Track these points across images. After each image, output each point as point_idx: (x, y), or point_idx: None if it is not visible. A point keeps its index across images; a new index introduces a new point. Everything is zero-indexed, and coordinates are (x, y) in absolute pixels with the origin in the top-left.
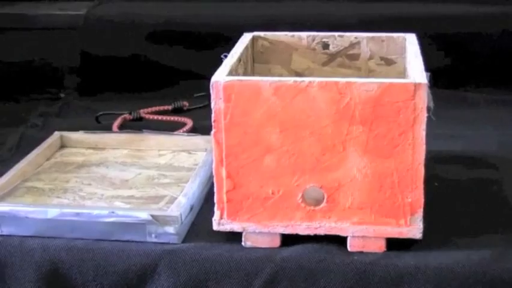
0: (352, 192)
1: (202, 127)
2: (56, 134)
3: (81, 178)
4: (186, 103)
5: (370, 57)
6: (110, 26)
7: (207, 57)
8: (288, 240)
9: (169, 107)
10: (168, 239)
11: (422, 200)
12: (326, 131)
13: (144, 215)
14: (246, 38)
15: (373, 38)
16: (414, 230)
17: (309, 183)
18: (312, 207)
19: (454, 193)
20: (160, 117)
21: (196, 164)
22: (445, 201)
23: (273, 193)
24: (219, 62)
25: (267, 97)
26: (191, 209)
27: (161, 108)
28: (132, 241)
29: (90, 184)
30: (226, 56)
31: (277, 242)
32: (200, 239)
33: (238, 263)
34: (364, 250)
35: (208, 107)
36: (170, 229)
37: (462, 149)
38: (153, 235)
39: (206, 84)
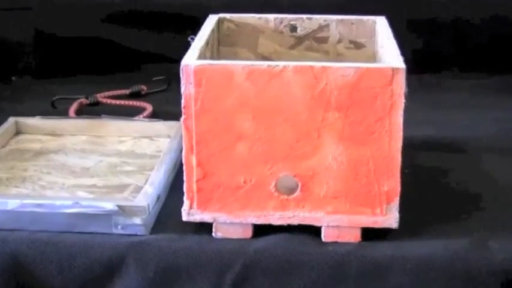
0: (326, 180)
1: (162, 112)
2: (11, 120)
3: (40, 166)
4: (144, 87)
5: (339, 41)
6: (67, 4)
7: (167, 39)
8: (260, 230)
9: (127, 91)
10: (135, 230)
11: (398, 189)
12: (300, 118)
13: (109, 206)
14: (211, 20)
15: (342, 20)
16: (390, 219)
17: (282, 171)
18: (285, 197)
19: (426, 180)
20: (118, 102)
21: (159, 151)
22: (416, 189)
23: (244, 182)
24: (181, 45)
25: (239, 82)
26: (158, 198)
27: (118, 92)
28: (97, 233)
29: (49, 173)
30: (193, 39)
31: (249, 233)
32: (168, 230)
33: (210, 255)
34: (339, 240)
35: (167, 91)
36: (137, 220)
37: (435, 134)
38: (119, 226)
39: (165, 67)
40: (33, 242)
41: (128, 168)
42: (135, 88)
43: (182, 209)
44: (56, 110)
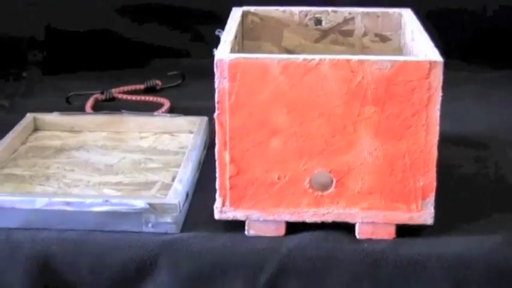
0: (362, 176)
1: (180, 107)
2: (29, 116)
3: (62, 163)
4: (158, 82)
5: (365, 34)
6: None
7: (181, 34)
8: (293, 228)
9: (142, 86)
10: (166, 228)
11: (434, 184)
12: (336, 112)
13: (140, 204)
14: (236, 13)
15: (367, 13)
16: (426, 215)
17: (317, 167)
18: (320, 193)
19: (454, 175)
20: (134, 97)
21: (182, 147)
22: (446, 184)
23: (278, 178)
24: (197, 39)
25: (274, 76)
26: (187, 196)
27: (133, 87)
28: (127, 231)
29: (73, 170)
30: (220, 32)
31: (282, 231)
32: (199, 229)
33: (243, 254)
34: (373, 237)
35: (182, 85)
36: (168, 218)
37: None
38: (149, 225)
39: (177, 62)
40: (63, 241)
41: (152, 165)
42: (150, 83)
43: (214, 207)
44: (72, 105)
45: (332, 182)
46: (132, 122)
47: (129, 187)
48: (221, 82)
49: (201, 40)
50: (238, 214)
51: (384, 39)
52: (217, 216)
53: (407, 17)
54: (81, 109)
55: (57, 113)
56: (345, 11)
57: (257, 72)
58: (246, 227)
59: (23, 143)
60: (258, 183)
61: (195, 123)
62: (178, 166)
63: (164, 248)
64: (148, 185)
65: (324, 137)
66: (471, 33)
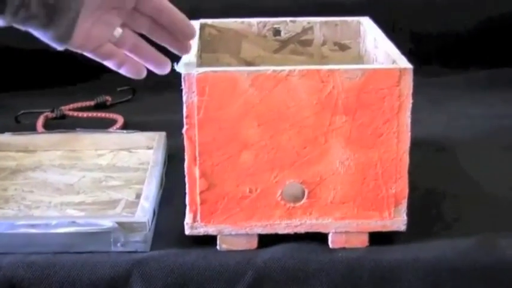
0: (334, 186)
1: (134, 123)
2: None
3: (20, 185)
4: (108, 98)
5: (324, 43)
6: None
7: None
8: (265, 241)
9: (92, 103)
10: (136, 247)
11: (406, 191)
12: (307, 123)
13: (108, 223)
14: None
15: (326, 22)
16: (398, 222)
17: (288, 179)
18: (292, 204)
19: (420, 180)
20: (86, 114)
21: (142, 163)
22: (416, 189)
23: (250, 191)
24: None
25: (244, 89)
26: (154, 213)
27: (83, 104)
28: (96, 252)
29: (32, 191)
30: None
31: (254, 244)
32: (169, 245)
33: (217, 269)
34: (347, 246)
35: (133, 100)
36: (137, 236)
37: (430, 133)
38: (118, 244)
39: (128, 77)
40: (29, 265)
41: (114, 182)
42: (100, 99)
43: (185, 223)
44: (21, 124)
45: (304, 193)
46: (87, 140)
47: (93, 206)
48: (189, 96)
49: None
50: (209, 229)
51: (343, 47)
52: (188, 231)
53: (367, 25)
54: (31, 128)
55: (8, 133)
56: (304, 20)
57: (226, 85)
58: (218, 242)
59: None
60: (229, 197)
61: (153, 139)
62: (141, 183)
63: (135, 266)
64: (112, 204)
65: (295, 149)
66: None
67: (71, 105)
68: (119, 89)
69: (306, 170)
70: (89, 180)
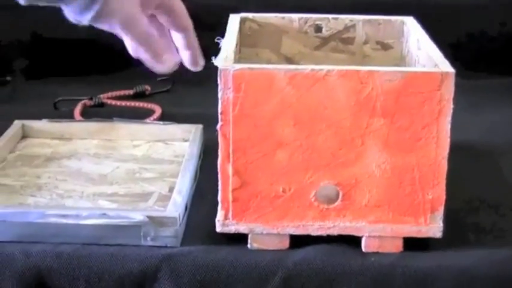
0: (369, 189)
1: (171, 114)
2: (17, 123)
3: (54, 173)
4: (148, 87)
5: (366, 42)
6: None
7: None
8: (297, 242)
9: (131, 92)
10: (166, 242)
11: (443, 197)
12: (344, 124)
13: (139, 217)
14: (234, 20)
15: (369, 20)
16: (434, 228)
17: (323, 180)
18: (326, 206)
19: (459, 186)
20: (124, 103)
21: (177, 156)
22: (452, 195)
23: (283, 191)
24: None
25: (281, 87)
26: (186, 208)
27: (122, 93)
28: (125, 245)
29: (65, 180)
30: (220, 40)
31: (286, 244)
32: (199, 242)
33: (246, 267)
34: (381, 251)
35: (172, 91)
36: (168, 231)
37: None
38: (148, 238)
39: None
40: (58, 255)
41: (148, 174)
42: (139, 88)
43: (216, 220)
44: (59, 111)
45: (338, 195)
46: (123, 130)
47: (125, 198)
48: (225, 92)
49: None
50: (241, 227)
51: (385, 47)
52: (219, 229)
53: (410, 25)
54: (69, 115)
55: (46, 120)
56: (346, 18)
57: (263, 83)
58: (249, 241)
59: (12, 152)
60: (261, 195)
61: (189, 131)
62: (174, 176)
63: (164, 261)
64: (144, 196)
65: (331, 150)
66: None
67: (110, 94)
68: (158, 78)
69: (341, 171)
70: (123, 171)
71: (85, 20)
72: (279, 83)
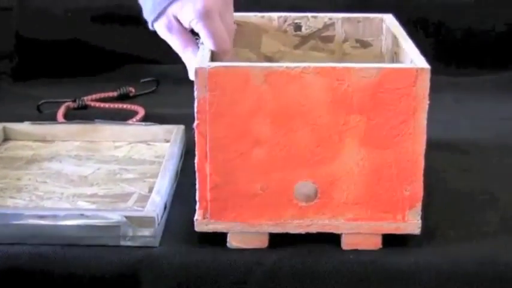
0: (347, 186)
1: (155, 115)
2: None
3: (34, 175)
4: (132, 89)
5: (345, 40)
6: (46, 4)
7: (153, 40)
8: (276, 240)
9: (115, 93)
10: (144, 242)
11: (421, 193)
12: (321, 121)
13: (117, 217)
14: None
15: (348, 18)
16: (412, 225)
17: (301, 177)
18: (304, 204)
19: (440, 182)
20: (107, 105)
21: (158, 157)
22: (429, 192)
23: (261, 189)
24: (166, 45)
25: (256, 85)
26: (165, 208)
27: (106, 94)
28: (104, 245)
29: (45, 182)
30: (199, 39)
31: (265, 243)
32: (178, 242)
33: (226, 267)
34: (359, 248)
35: (156, 92)
36: (146, 231)
37: (440, 134)
38: (127, 238)
39: (153, 68)
40: (37, 256)
41: (128, 175)
42: (123, 90)
43: (194, 219)
44: (43, 114)
45: (317, 192)
46: (106, 131)
47: (105, 199)
48: (201, 91)
49: None
50: (219, 226)
51: (364, 45)
52: (197, 228)
53: (390, 23)
54: (52, 118)
55: (28, 122)
56: (325, 16)
57: (238, 81)
58: (228, 239)
59: None
60: (240, 194)
61: (171, 132)
62: (155, 176)
63: (144, 262)
64: (124, 197)
65: (308, 147)
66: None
67: (94, 96)
68: (142, 80)
69: (319, 169)
70: (103, 172)
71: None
72: (255, 81)
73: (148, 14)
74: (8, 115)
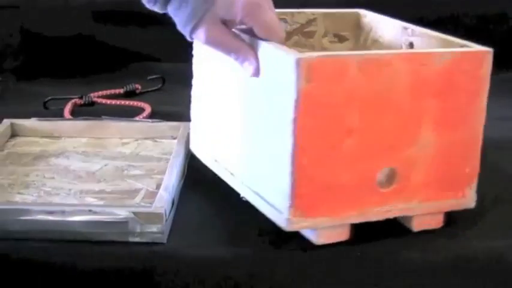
0: (422, 168)
1: (161, 112)
2: (6, 122)
3: (42, 171)
4: (138, 86)
5: (324, 35)
6: (53, 2)
7: (160, 37)
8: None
9: (121, 91)
10: (153, 238)
11: (478, 169)
12: (404, 107)
13: (125, 213)
14: None
15: (329, 14)
16: (469, 199)
17: (383, 164)
18: (385, 189)
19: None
20: (114, 102)
21: (165, 153)
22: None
23: (349, 180)
24: (176, 43)
25: (352, 74)
26: (173, 204)
27: (112, 91)
28: (112, 241)
29: (53, 177)
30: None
31: (347, 235)
32: (186, 238)
33: (229, 263)
34: (426, 228)
35: (162, 90)
36: (154, 227)
37: None
38: (135, 234)
39: (159, 66)
40: (44, 252)
41: (136, 172)
42: (130, 87)
43: (284, 218)
44: (49, 110)
45: (396, 177)
46: (113, 128)
47: (112, 195)
48: (301, 83)
49: (179, 45)
50: (306, 223)
51: (341, 39)
52: (288, 227)
53: (366, 17)
54: (59, 114)
55: (35, 118)
56: (309, 12)
57: (334, 71)
58: (316, 236)
59: (1, 150)
60: (328, 187)
61: (178, 129)
62: (162, 173)
63: (151, 258)
64: (132, 193)
65: (392, 133)
66: None
67: (100, 93)
68: (148, 77)
69: (399, 153)
70: (111, 168)
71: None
72: (351, 69)
73: (183, 25)
74: (15, 112)
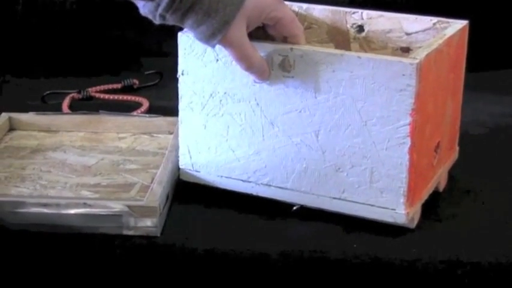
0: (446, 137)
1: (158, 107)
2: (4, 116)
3: (39, 164)
4: (136, 81)
5: None
6: None
7: (157, 33)
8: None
9: (119, 85)
10: (146, 231)
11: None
12: (449, 84)
13: (119, 206)
14: None
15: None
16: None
17: (438, 139)
18: (435, 162)
19: None
20: (112, 97)
21: (162, 148)
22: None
23: (426, 162)
24: (174, 38)
25: (434, 67)
26: (167, 198)
27: (110, 86)
28: (106, 234)
29: (49, 171)
30: None
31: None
32: (180, 232)
33: (228, 256)
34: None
35: (159, 85)
36: (148, 221)
37: None
38: (129, 228)
39: (156, 61)
40: (39, 244)
41: (131, 166)
42: (127, 82)
43: (404, 213)
44: (47, 105)
45: (438, 149)
46: (110, 122)
47: (108, 189)
48: (418, 85)
49: (177, 40)
50: (411, 215)
51: None
52: (412, 225)
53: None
54: (57, 109)
55: (33, 112)
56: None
57: (429, 67)
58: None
59: None
60: (422, 176)
61: (175, 124)
62: (158, 167)
63: (145, 251)
64: (127, 187)
65: (447, 112)
66: None
67: (98, 87)
68: (146, 72)
69: (442, 128)
70: (107, 162)
71: (211, 45)
72: (439, 64)
73: (207, 36)
74: (13, 106)
